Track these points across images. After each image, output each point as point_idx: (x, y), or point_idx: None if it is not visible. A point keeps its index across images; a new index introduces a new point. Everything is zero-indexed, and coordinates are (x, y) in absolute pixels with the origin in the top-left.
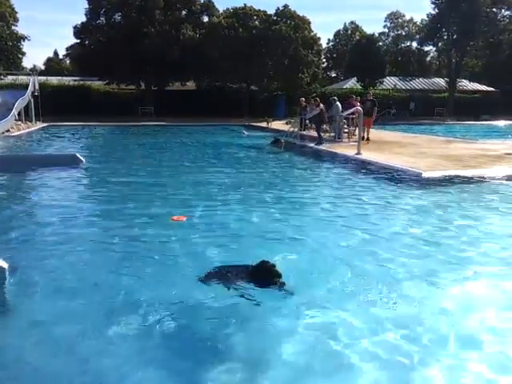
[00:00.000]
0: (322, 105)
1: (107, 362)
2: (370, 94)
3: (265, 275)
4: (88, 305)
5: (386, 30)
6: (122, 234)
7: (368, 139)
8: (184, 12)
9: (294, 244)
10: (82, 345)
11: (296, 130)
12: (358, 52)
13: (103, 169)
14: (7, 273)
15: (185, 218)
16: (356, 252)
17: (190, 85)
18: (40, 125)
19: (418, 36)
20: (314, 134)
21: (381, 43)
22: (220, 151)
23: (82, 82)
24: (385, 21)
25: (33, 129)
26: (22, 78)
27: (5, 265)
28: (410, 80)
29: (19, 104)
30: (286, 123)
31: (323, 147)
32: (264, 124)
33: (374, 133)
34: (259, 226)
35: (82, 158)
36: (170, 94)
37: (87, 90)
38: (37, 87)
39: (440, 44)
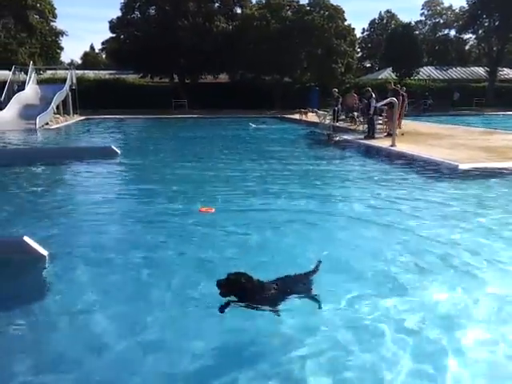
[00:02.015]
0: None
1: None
2: (390, 83)
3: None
4: (123, 291)
5: (423, 18)
6: (155, 223)
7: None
8: (217, 4)
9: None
10: (118, 331)
11: (328, 121)
12: (393, 41)
13: (138, 161)
14: (47, 260)
15: (213, 210)
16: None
17: (223, 77)
18: (77, 118)
19: (456, 24)
20: (344, 125)
21: (417, 32)
22: (255, 143)
23: (117, 76)
24: (422, 8)
25: (70, 122)
26: (61, 73)
27: (45, 252)
28: (448, 69)
29: (58, 98)
30: (316, 115)
31: (361, 140)
32: (297, 116)
33: (409, 124)
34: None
35: (117, 150)
36: (202, 86)
37: (122, 84)
38: (74, 81)
39: (480, 31)
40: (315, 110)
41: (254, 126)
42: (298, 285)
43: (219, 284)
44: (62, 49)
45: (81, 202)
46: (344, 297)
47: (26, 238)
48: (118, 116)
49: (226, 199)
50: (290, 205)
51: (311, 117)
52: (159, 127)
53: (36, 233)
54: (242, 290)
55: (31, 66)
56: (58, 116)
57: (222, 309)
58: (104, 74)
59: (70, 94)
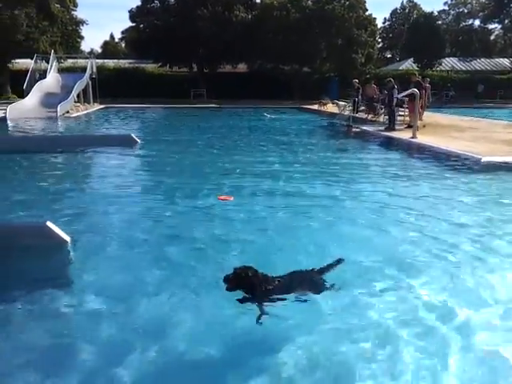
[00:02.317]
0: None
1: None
2: (415, 75)
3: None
4: (141, 275)
5: (447, 8)
6: (174, 209)
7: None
8: None
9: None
10: (141, 312)
11: (348, 112)
12: (415, 31)
13: (157, 149)
14: (70, 245)
15: (232, 198)
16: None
17: (242, 67)
18: (97, 106)
19: (481, 13)
20: (362, 116)
21: (440, 22)
22: (273, 134)
23: (136, 65)
24: None
25: (90, 110)
26: (81, 62)
27: (67, 238)
28: (471, 61)
29: (78, 86)
30: (336, 106)
31: (381, 131)
32: (316, 107)
33: (430, 116)
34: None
35: (136, 138)
36: (221, 76)
37: (141, 73)
38: (94, 70)
39: (507, 21)
40: (335, 100)
41: (268, 116)
42: (307, 281)
43: (226, 279)
44: (82, 38)
45: (102, 188)
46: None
47: (49, 224)
48: (137, 105)
49: (242, 188)
50: (306, 195)
51: (330, 107)
52: (177, 116)
53: (58, 218)
54: (249, 284)
55: (52, 55)
56: (78, 104)
57: (241, 301)
58: (123, 63)
59: (90, 82)
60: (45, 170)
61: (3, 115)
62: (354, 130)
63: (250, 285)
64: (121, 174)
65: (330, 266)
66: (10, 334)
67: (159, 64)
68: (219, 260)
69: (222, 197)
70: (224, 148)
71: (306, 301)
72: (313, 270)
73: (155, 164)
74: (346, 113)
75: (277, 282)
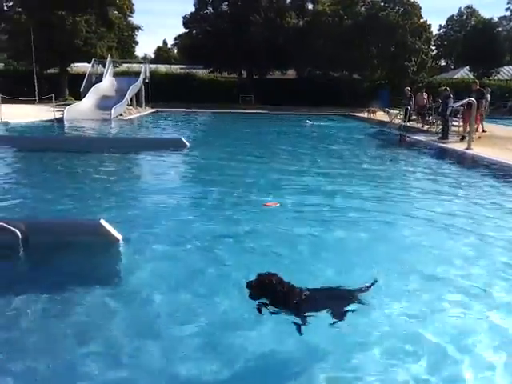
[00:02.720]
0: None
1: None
2: (475, 83)
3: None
4: (189, 272)
5: (508, 14)
6: (218, 212)
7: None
8: (288, 0)
9: None
10: (190, 309)
11: (399, 121)
12: (472, 39)
13: (206, 153)
14: (121, 243)
15: (278, 204)
16: None
17: (291, 73)
18: (149, 110)
19: None
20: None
21: (500, 29)
22: (321, 141)
23: (187, 71)
24: (508, 3)
25: (142, 113)
26: (135, 66)
27: (119, 236)
28: None
29: (132, 90)
30: (387, 114)
31: (434, 141)
32: (365, 114)
33: (487, 127)
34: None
35: (186, 141)
36: (270, 82)
37: (192, 78)
38: (148, 75)
39: None
40: (386, 109)
41: (310, 122)
42: (336, 299)
43: (249, 285)
44: (137, 43)
45: (152, 189)
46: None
47: (103, 222)
48: (186, 109)
49: (288, 195)
50: (352, 206)
51: (380, 115)
52: (225, 121)
53: (110, 217)
54: (273, 292)
55: (109, 59)
56: (131, 108)
57: (259, 310)
58: (175, 68)
59: (143, 86)
60: (99, 170)
61: (61, 116)
62: (406, 139)
63: (274, 293)
64: (171, 177)
65: (365, 287)
66: (67, 326)
67: (210, 70)
68: (261, 263)
69: (269, 203)
70: (271, 154)
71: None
72: (348, 289)
73: (204, 167)
74: (397, 121)
75: (304, 296)
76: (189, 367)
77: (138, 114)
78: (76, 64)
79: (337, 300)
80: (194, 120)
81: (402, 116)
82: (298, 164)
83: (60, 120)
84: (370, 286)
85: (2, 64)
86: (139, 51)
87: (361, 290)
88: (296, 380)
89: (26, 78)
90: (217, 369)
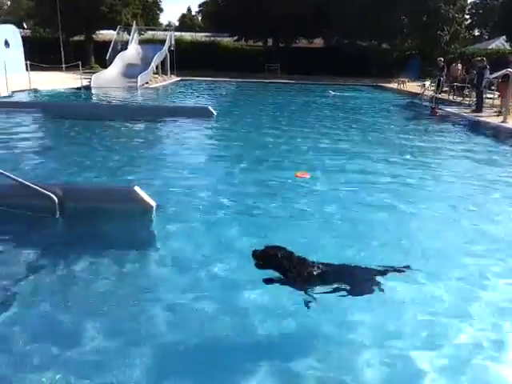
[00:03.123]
0: None
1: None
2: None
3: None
4: (220, 240)
5: None
6: (247, 181)
7: None
8: None
9: None
10: (219, 276)
11: (431, 93)
12: (510, 7)
13: (233, 122)
14: (154, 210)
15: (308, 176)
16: None
17: (318, 42)
18: (174, 78)
19: None
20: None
21: None
22: (351, 113)
23: (212, 39)
24: None
25: (168, 82)
26: (160, 34)
27: (153, 203)
28: None
29: (157, 58)
30: (422, 86)
31: (467, 114)
32: (394, 85)
33: None
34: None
35: (213, 110)
36: (296, 51)
37: (217, 46)
38: (173, 42)
39: None
40: (422, 81)
41: (332, 93)
42: (353, 278)
43: (255, 254)
44: (161, 10)
45: (182, 158)
46: None
47: (137, 188)
48: (211, 78)
49: (320, 166)
50: (387, 181)
51: (411, 86)
52: (251, 91)
53: (142, 183)
54: (277, 265)
55: (134, 26)
56: (156, 76)
57: (266, 282)
58: (200, 36)
59: (168, 54)
60: (128, 137)
61: (88, 83)
62: (438, 111)
63: (279, 265)
64: (200, 145)
65: (391, 270)
66: (99, 288)
67: (235, 38)
68: (290, 233)
69: (299, 173)
70: (299, 125)
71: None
72: (369, 268)
73: (232, 137)
74: (429, 93)
75: (316, 268)
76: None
77: (164, 83)
78: (101, 31)
79: (355, 278)
80: (219, 89)
81: (433, 87)
82: (327, 135)
83: (87, 87)
84: (399, 270)
85: (29, 31)
86: (163, 18)
87: (386, 272)
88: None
89: (53, 45)
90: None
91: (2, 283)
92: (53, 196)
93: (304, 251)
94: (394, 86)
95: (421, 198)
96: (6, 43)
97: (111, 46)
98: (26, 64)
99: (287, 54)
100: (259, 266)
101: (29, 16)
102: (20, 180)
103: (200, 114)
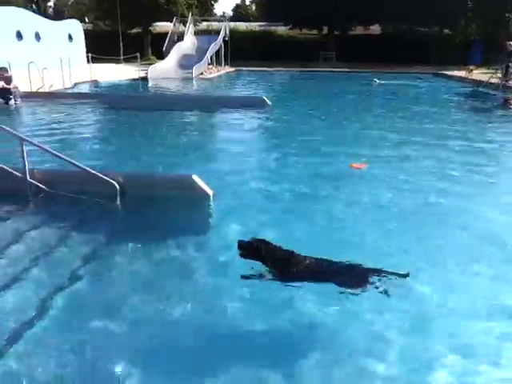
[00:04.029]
0: None
1: None
2: None
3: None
4: (277, 229)
5: None
6: (305, 172)
7: None
8: None
9: None
10: None
11: (497, 80)
12: None
13: (288, 112)
14: (212, 198)
15: (364, 166)
16: None
17: (374, 29)
18: (228, 69)
19: None
20: None
21: None
22: (410, 101)
23: (267, 28)
24: None
25: (222, 72)
26: (214, 24)
27: (210, 191)
28: None
29: (212, 49)
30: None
31: None
32: (456, 73)
33: None
34: None
35: (268, 100)
36: (352, 38)
37: (271, 36)
38: (227, 33)
39: None
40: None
41: (378, 81)
42: (349, 276)
43: (239, 245)
44: (216, 0)
45: (238, 147)
46: None
47: (195, 177)
48: (266, 68)
49: (375, 157)
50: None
51: (474, 74)
52: (305, 80)
53: (200, 172)
54: (259, 258)
55: (190, 17)
56: (211, 66)
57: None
58: (254, 25)
59: (222, 45)
60: (185, 128)
61: (145, 75)
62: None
63: (260, 257)
64: (256, 135)
65: (388, 272)
66: (159, 271)
67: (289, 26)
68: (344, 224)
69: (355, 164)
70: (356, 115)
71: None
72: (365, 267)
73: (287, 126)
74: (494, 80)
75: (305, 263)
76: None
77: (218, 73)
78: (158, 23)
79: (347, 277)
80: (274, 79)
81: (499, 75)
82: (385, 126)
83: (144, 79)
84: (397, 275)
85: (90, 24)
86: (218, 9)
87: (385, 273)
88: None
89: (112, 37)
90: None
91: (68, 265)
92: (115, 183)
93: (358, 242)
94: (456, 73)
95: (493, 195)
96: (70, 37)
97: (168, 37)
98: (88, 56)
99: (343, 42)
100: (243, 255)
101: (90, 9)
102: (84, 167)
103: (255, 103)
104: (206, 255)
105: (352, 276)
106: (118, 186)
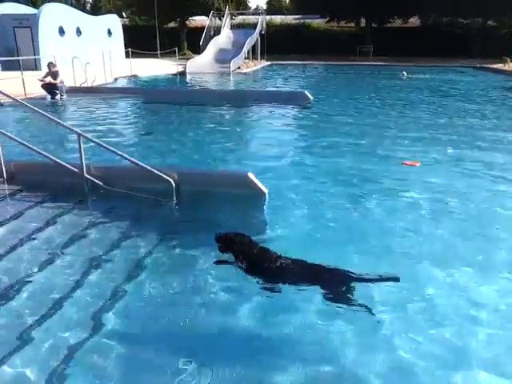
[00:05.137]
0: None
1: None
2: None
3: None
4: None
5: None
6: (355, 170)
7: None
8: None
9: None
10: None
11: None
12: None
13: (330, 106)
14: (267, 197)
15: (418, 164)
16: None
17: (414, 21)
18: (264, 63)
19: None
20: None
21: None
22: (451, 96)
23: (302, 21)
24: None
25: (259, 66)
26: (250, 18)
27: (265, 190)
28: None
29: (249, 43)
30: None
31: None
32: (500, 66)
33: None
34: None
35: (309, 95)
36: (390, 31)
37: (307, 29)
38: (264, 26)
39: None
40: None
41: (406, 75)
42: (323, 278)
43: (216, 237)
44: None
45: (287, 144)
46: None
47: (250, 175)
48: (302, 62)
49: (428, 154)
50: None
51: None
52: (343, 74)
53: (246, 168)
54: (233, 251)
55: (226, 11)
56: (247, 60)
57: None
58: (290, 18)
59: (259, 38)
60: (229, 123)
61: (183, 69)
62: None
63: (234, 251)
64: (302, 130)
65: (376, 279)
66: (212, 272)
67: (326, 19)
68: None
69: (408, 162)
70: (396, 109)
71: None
72: (346, 272)
73: (332, 121)
74: None
75: (279, 263)
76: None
77: (255, 67)
78: (194, 18)
79: (323, 280)
80: (310, 72)
81: None
82: (428, 122)
83: (182, 73)
84: (383, 279)
85: (127, 20)
86: (252, 2)
87: (366, 279)
88: None
89: (148, 32)
90: None
91: (124, 261)
92: (171, 180)
93: (411, 243)
94: (499, 66)
95: None
96: (109, 32)
97: (204, 31)
98: (127, 51)
99: (380, 35)
100: (219, 249)
101: (129, 5)
102: (140, 163)
103: (297, 98)
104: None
105: (330, 280)
106: (173, 183)
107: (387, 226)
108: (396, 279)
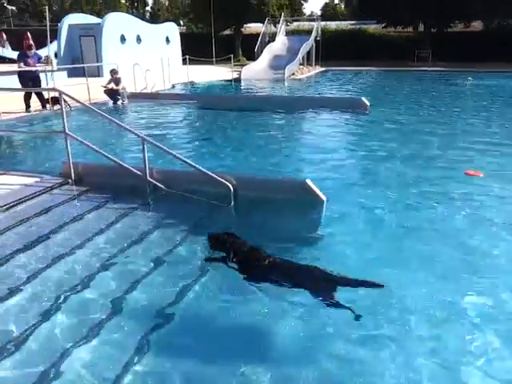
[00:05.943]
0: None
1: None
2: None
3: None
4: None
5: None
6: (417, 178)
7: None
8: None
9: None
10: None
11: None
12: None
13: (388, 113)
14: (325, 204)
15: (481, 175)
16: None
17: (476, 25)
18: (319, 69)
19: None
20: None
21: None
22: None
23: (357, 26)
24: None
25: (313, 72)
26: (304, 24)
27: (324, 197)
28: None
29: (304, 49)
30: None
31: None
32: None
33: None
34: None
35: (367, 102)
36: (450, 36)
37: (363, 34)
38: (319, 32)
39: None
40: None
41: (471, 80)
42: (315, 283)
43: (208, 237)
44: (306, 0)
45: (346, 151)
46: None
47: (308, 181)
48: (358, 68)
49: (490, 166)
50: None
51: None
52: (401, 80)
53: (300, 175)
54: (224, 250)
55: (282, 18)
56: (302, 66)
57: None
58: (345, 24)
59: (314, 44)
60: (286, 129)
61: (237, 76)
62: None
63: (225, 249)
64: (360, 138)
65: (360, 283)
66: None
67: (383, 24)
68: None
69: (471, 171)
70: (457, 116)
71: None
72: (332, 274)
73: (389, 129)
74: None
75: (267, 262)
76: None
77: (309, 73)
78: (249, 24)
79: (311, 281)
80: (367, 79)
81: None
82: (495, 131)
83: (237, 80)
84: (369, 284)
85: (184, 27)
86: (307, 8)
87: (354, 283)
88: None
89: (204, 39)
90: None
91: (184, 262)
92: (229, 185)
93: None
94: None
95: None
96: (167, 39)
97: (259, 38)
98: (184, 58)
99: (439, 40)
100: (211, 247)
101: (185, 14)
102: (200, 168)
103: (353, 105)
104: (320, 262)
105: (319, 282)
106: (231, 188)
107: (448, 240)
108: (380, 286)
